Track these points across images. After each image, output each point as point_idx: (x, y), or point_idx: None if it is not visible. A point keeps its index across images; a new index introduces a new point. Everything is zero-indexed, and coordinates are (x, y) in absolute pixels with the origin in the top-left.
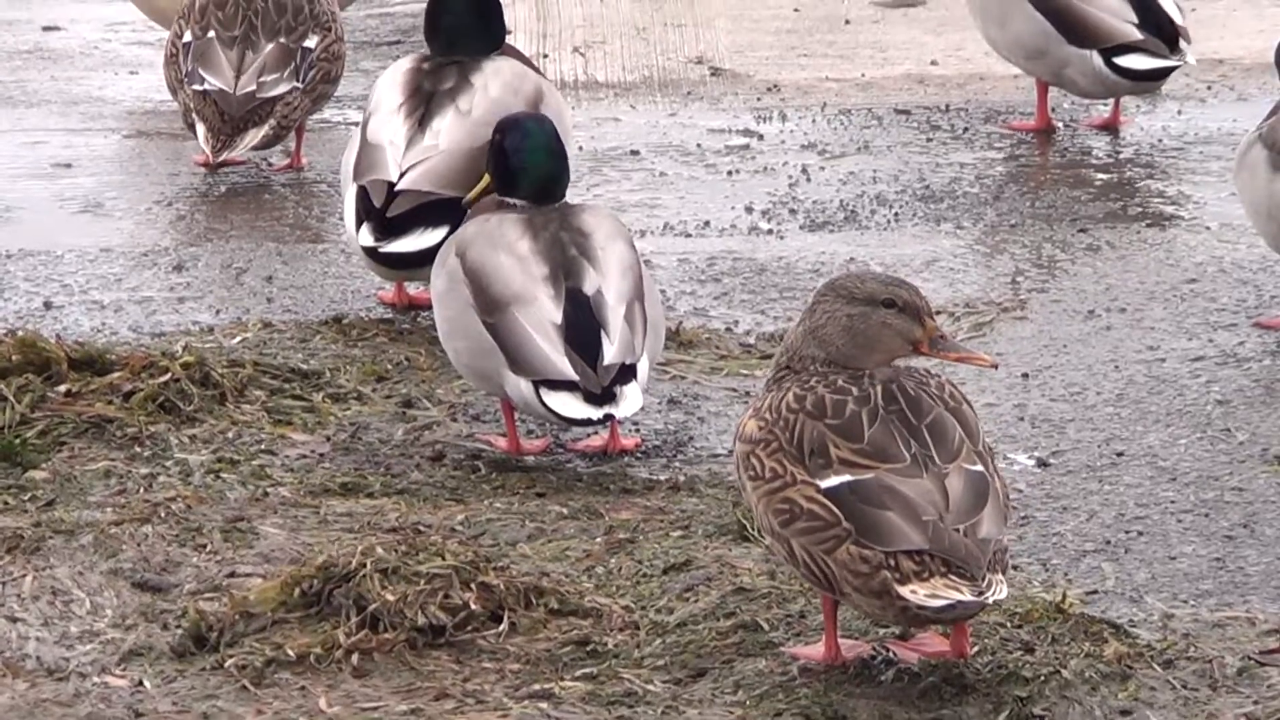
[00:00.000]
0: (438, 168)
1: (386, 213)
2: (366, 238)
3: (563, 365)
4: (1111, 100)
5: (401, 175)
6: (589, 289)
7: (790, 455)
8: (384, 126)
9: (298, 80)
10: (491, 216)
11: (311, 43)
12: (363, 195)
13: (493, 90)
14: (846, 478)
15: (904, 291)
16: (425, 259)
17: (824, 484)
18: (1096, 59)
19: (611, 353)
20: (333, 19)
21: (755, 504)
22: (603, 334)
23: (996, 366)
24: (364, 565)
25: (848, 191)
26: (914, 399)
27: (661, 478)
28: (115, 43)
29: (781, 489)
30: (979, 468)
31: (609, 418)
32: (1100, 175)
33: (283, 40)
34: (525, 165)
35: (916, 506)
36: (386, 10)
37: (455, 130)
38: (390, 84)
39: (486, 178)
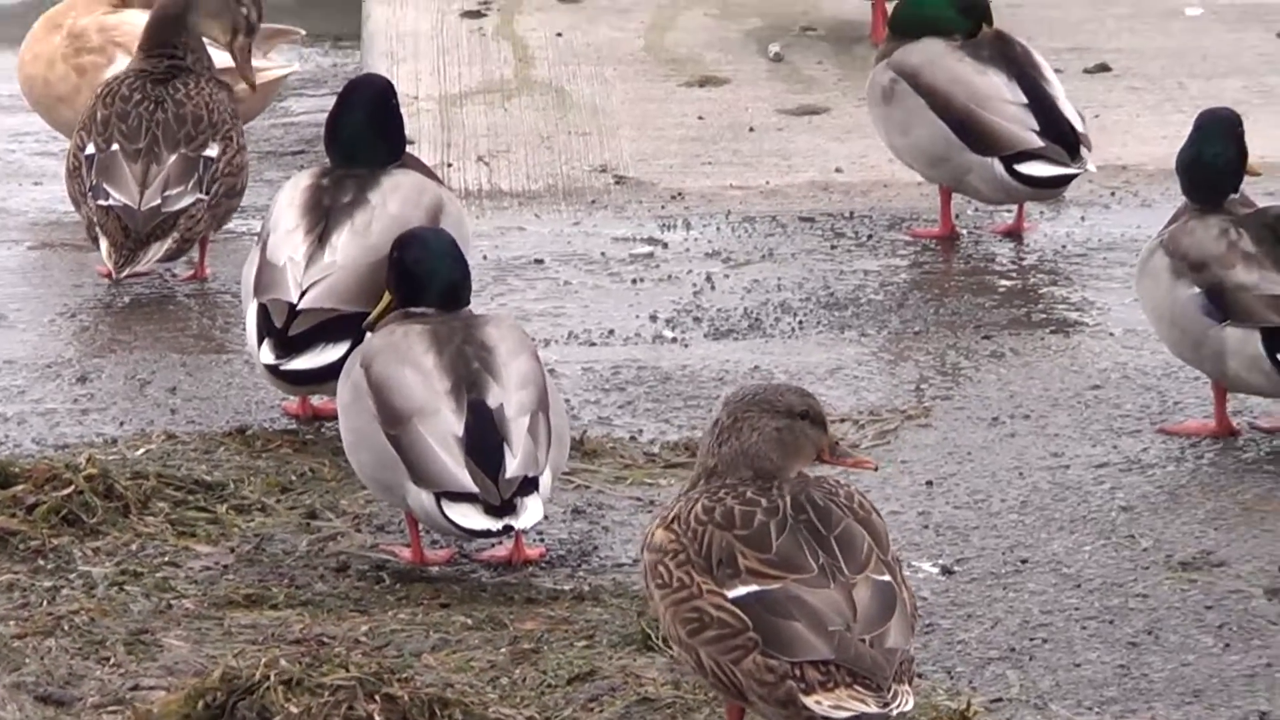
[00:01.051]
0: (337, 285)
1: (287, 331)
2: (268, 355)
3: (463, 477)
4: (1015, 207)
5: (301, 294)
6: (492, 402)
7: (698, 565)
8: (283, 243)
9: (201, 192)
10: (397, 329)
11: (213, 152)
12: (263, 313)
13: (391, 205)
14: (754, 588)
15: (813, 401)
16: (327, 375)
17: (732, 594)
18: (998, 166)
19: (514, 465)
20: (234, 128)
21: (663, 613)
22: (505, 447)
23: (876, 469)
24: (268, 677)
25: (752, 299)
26: (823, 509)
27: (566, 587)
28: (19, 153)
29: (690, 599)
30: (886, 578)
31: (509, 529)
32: (1004, 282)
33: (184, 150)
34: (426, 276)
35: (823, 617)
36: (290, 120)
37: (354, 246)
38: (289, 199)
39: (387, 296)
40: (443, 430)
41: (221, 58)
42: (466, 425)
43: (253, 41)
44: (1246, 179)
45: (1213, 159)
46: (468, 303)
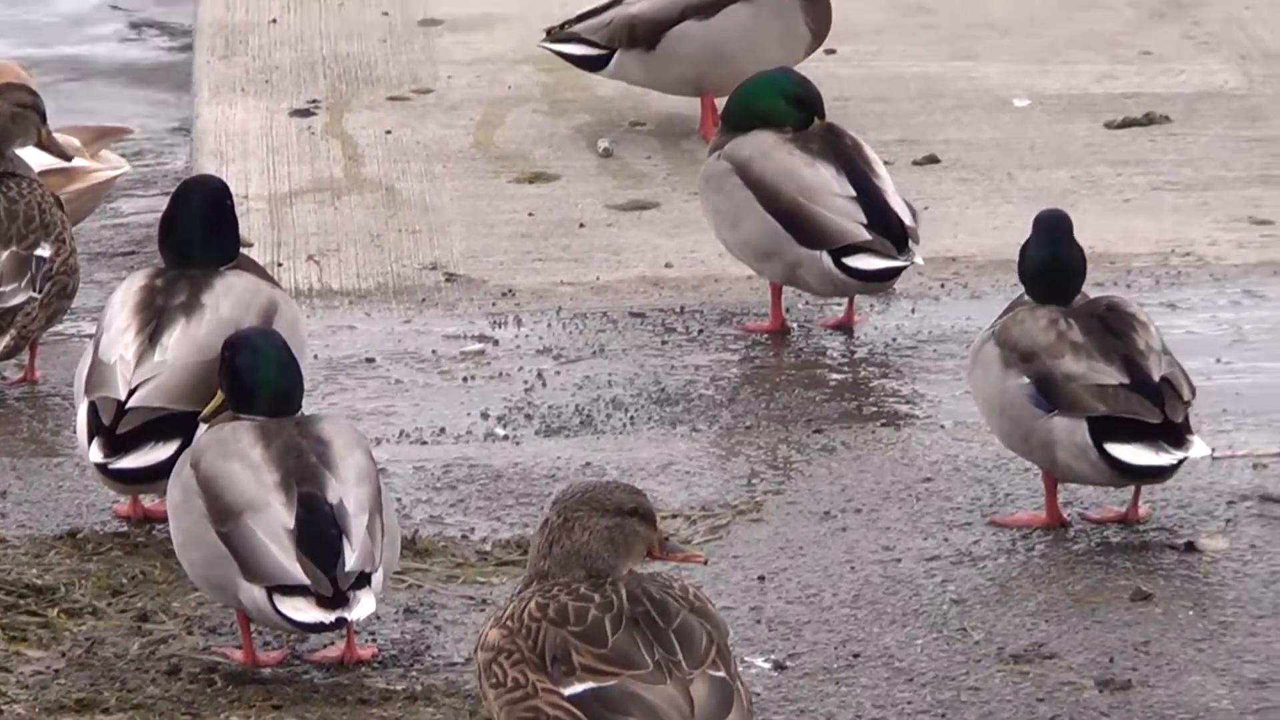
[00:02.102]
0: (166, 384)
1: (115, 429)
2: (96, 454)
3: (294, 570)
4: (845, 300)
5: (130, 392)
6: (331, 497)
7: (533, 663)
8: (115, 342)
9: (34, 290)
10: (226, 426)
11: (45, 251)
12: (93, 412)
13: (224, 307)
14: (590, 685)
15: (642, 498)
16: (156, 474)
17: (568, 691)
18: (826, 260)
19: (352, 560)
20: (64, 230)
21: (497, 713)
22: (344, 540)
23: (706, 562)
24: None
25: (583, 396)
26: (660, 603)
27: (399, 687)
28: None
29: (525, 698)
30: (723, 674)
31: (342, 621)
32: (835, 375)
33: (15, 248)
34: (257, 382)
35: (660, 713)
36: (120, 221)
37: (184, 346)
38: (122, 299)
39: (220, 395)
40: (273, 524)
41: (40, 159)
42: (298, 518)
43: (46, 124)
44: None
45: (1067, 262)
46: (298, 408)
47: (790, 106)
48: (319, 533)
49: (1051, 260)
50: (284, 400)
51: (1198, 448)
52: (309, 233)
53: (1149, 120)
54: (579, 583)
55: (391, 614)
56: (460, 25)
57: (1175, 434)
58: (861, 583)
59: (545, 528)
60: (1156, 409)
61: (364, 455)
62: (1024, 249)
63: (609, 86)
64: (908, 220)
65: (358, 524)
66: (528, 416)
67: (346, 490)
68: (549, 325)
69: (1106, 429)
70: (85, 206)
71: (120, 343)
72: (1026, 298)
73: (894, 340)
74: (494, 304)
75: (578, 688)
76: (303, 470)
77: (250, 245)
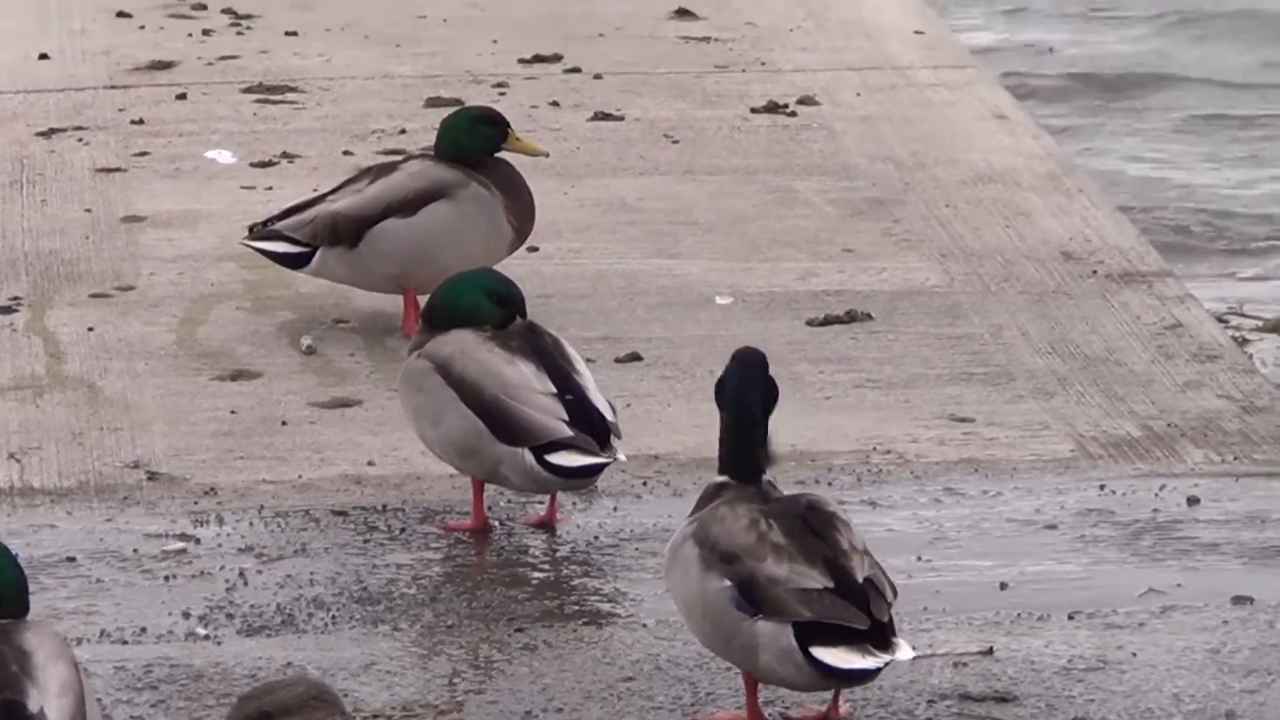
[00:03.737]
0: None
1: None
2: None
3: None
4: (547, 497)
5: None
6: (32, 706)
7: None
8: None
9: None
10: None
11: None
12: None
13: None
14: None
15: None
16: None
17: None
18: (528, 456)
19: None
20: None
21: None
22: None
23: None
24: None
25: (285, 595)
26: None
27: None
28: None
29: None
30: None
31: None
32: (537, 574)
33: None
34: None
35: None
36: None
37: None
38: None
39: None
40: None
41: None
42: None
43: None
44: None
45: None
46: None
47: (491, 305)
48: None
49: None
50: None
51: (903, 650)
52: (10, 430)
53: (851, 318)
54: None
55: None
56: (163, 221)
57: (881, 636)
58: None
59: None
60: (862, 613)
61: (68, 664)
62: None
63: (312, 284)
64: (609, 416)
65: None
66: (229, 615)
67: (49, 701)
68: (251, 524)
69: (812, 633)
70: None
71: None
72: (721, 478)
73: (596, 538)
74: (196, 502)
75: None
76: (7, 680)
77: None
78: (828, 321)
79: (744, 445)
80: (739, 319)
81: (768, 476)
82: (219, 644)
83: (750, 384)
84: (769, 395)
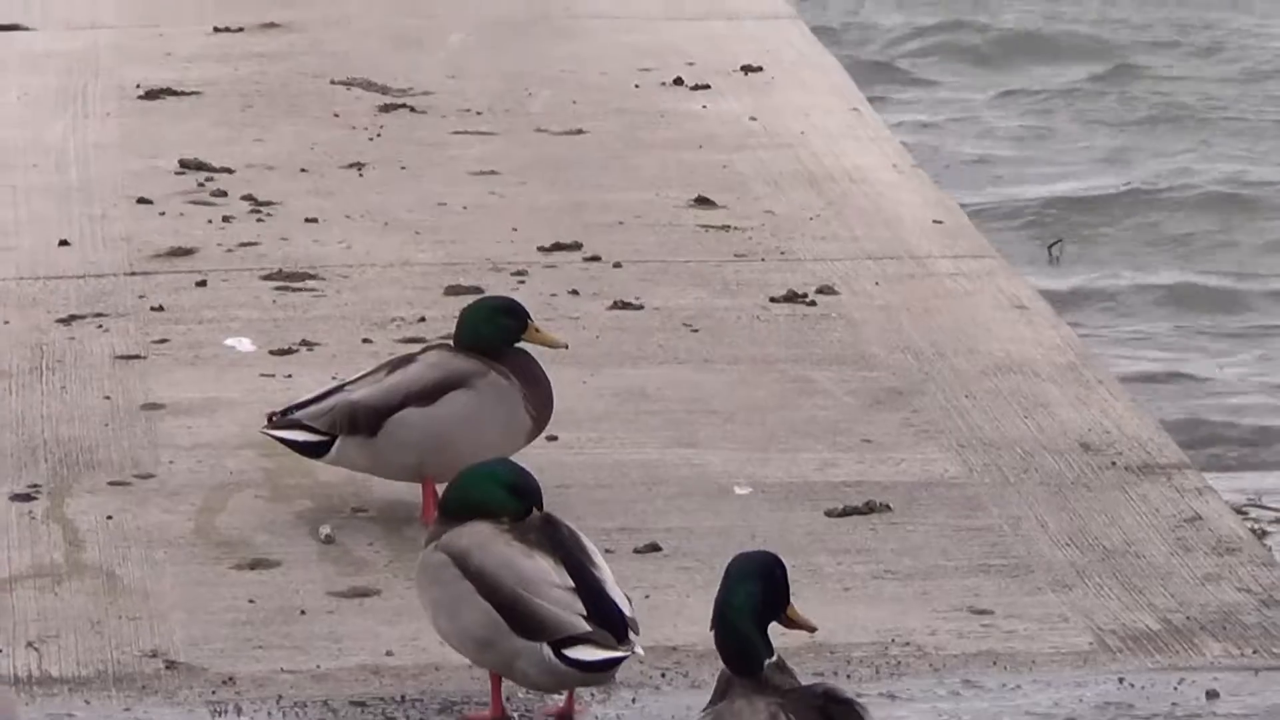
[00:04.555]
0: None
1: None
2: None
3: None
4: (566, 690)
5: None
6: None
7: None
8: None
9: None
10: None
11: None
12: None
13: None
14: None
15: None
16: None
17: None
18: (546, 651)
19: None
20: None
21: None
22: None
23: None
24: None
25: None
26: None
27: None
28: None
29: None
30: None
31: None
32: None
33: None
34: None
35: None
36: None
37: None
38: None
39: None
40: None
41: None
42: None
43: None
44: None
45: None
46: None
47: (508, 497)
48: None
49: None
50: None
51: None
52: (29, 619)
53: (869, 509)
54: None
55: None
56: (183, 409)
57: None
58: None
59: None
60: None
61: None
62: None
63: (331, 472)
64: (627, 610)
65: None
66: None
67: None
68: (269, 714)
69: None
70: None
71: None
72: (730, 672)
73: None
74: (214, 692)
75: None
76: None
77: None
78: (846, 512)
79: (737, 649)
80: (758, 509)
81: (773, 660)
82: None
83: (737, 592)
84: (770, 597)
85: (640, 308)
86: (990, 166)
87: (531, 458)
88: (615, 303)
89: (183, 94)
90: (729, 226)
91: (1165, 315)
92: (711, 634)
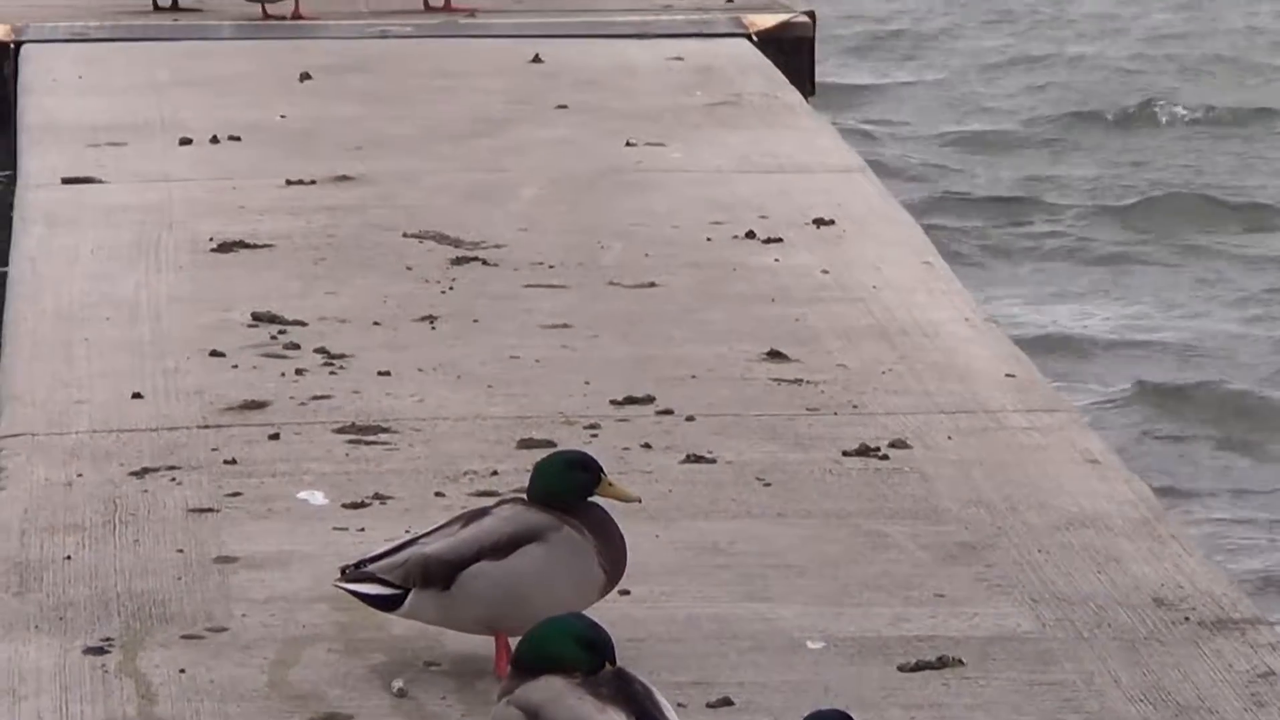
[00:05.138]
0: None
1: None
2: None
3: None
4: None
5: None
6: None
7: None
8: None
9: None
10: None
11: None
12: None
13: None
14: None
15: None
16: None
17: None
18: None
19: None
20: None
21: None
22: None
23: None
24: None
25: None
26: None
27: None
28: None
29: None
30: None
31: None
32: None
33: None
34: None
35: None
36: None
37: None
38: None
39: None
40: None
41: None
42: None
43: None
44: None
45: None
46: None
47: (581, 651)
48: None
49: None
50: None
51: None
52: None
53: (942, 664)
54: None
55: None
56: (255, 562)
57: None
58: None
59: None
60: None
61: None
62: None
63: (404, 625)
64: None
65: None
66: None
67: None
68: None
69: None
70: None
71: None
72: None
73: None
74: None
75: None
76: None
77: None
78: (919, 667)
79: None
80: (831, 664)
81: None
82: None
83: None
84: None
85: (713, 461)
86: None
87: (604, 612)
88: (688, 456)
89: (256, 247)
90: (801, 380)
91: None
92: None
